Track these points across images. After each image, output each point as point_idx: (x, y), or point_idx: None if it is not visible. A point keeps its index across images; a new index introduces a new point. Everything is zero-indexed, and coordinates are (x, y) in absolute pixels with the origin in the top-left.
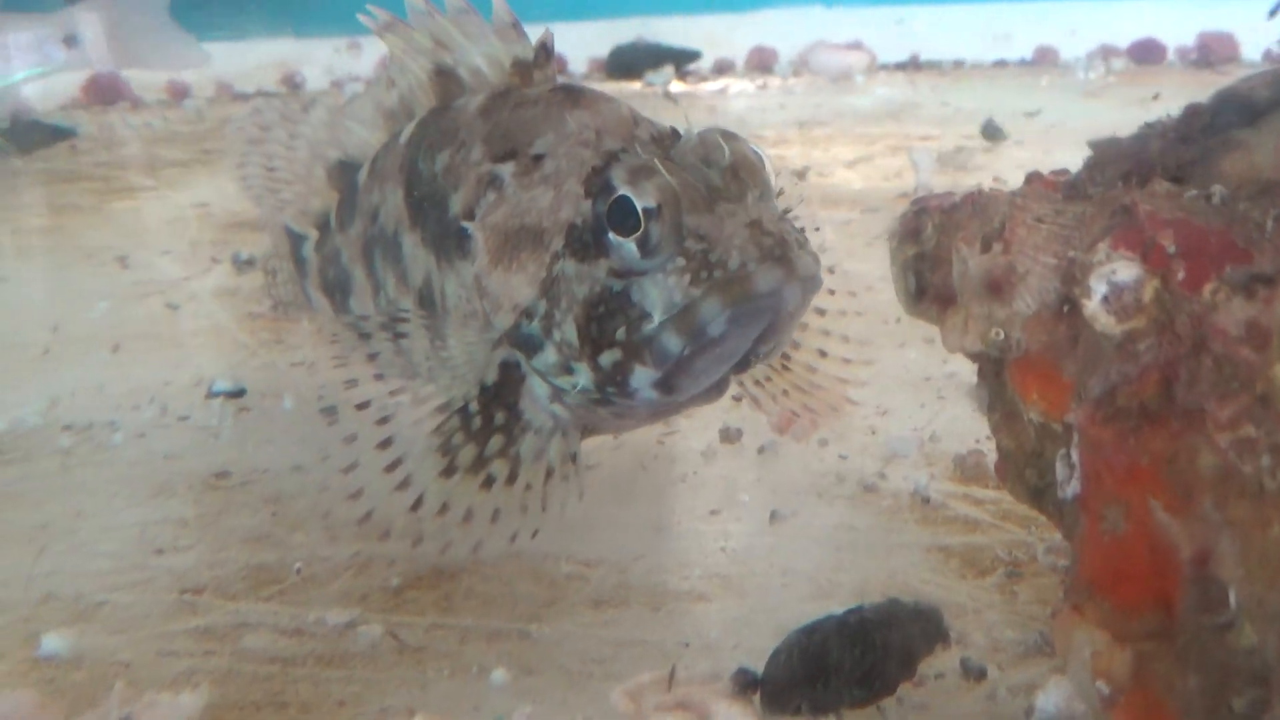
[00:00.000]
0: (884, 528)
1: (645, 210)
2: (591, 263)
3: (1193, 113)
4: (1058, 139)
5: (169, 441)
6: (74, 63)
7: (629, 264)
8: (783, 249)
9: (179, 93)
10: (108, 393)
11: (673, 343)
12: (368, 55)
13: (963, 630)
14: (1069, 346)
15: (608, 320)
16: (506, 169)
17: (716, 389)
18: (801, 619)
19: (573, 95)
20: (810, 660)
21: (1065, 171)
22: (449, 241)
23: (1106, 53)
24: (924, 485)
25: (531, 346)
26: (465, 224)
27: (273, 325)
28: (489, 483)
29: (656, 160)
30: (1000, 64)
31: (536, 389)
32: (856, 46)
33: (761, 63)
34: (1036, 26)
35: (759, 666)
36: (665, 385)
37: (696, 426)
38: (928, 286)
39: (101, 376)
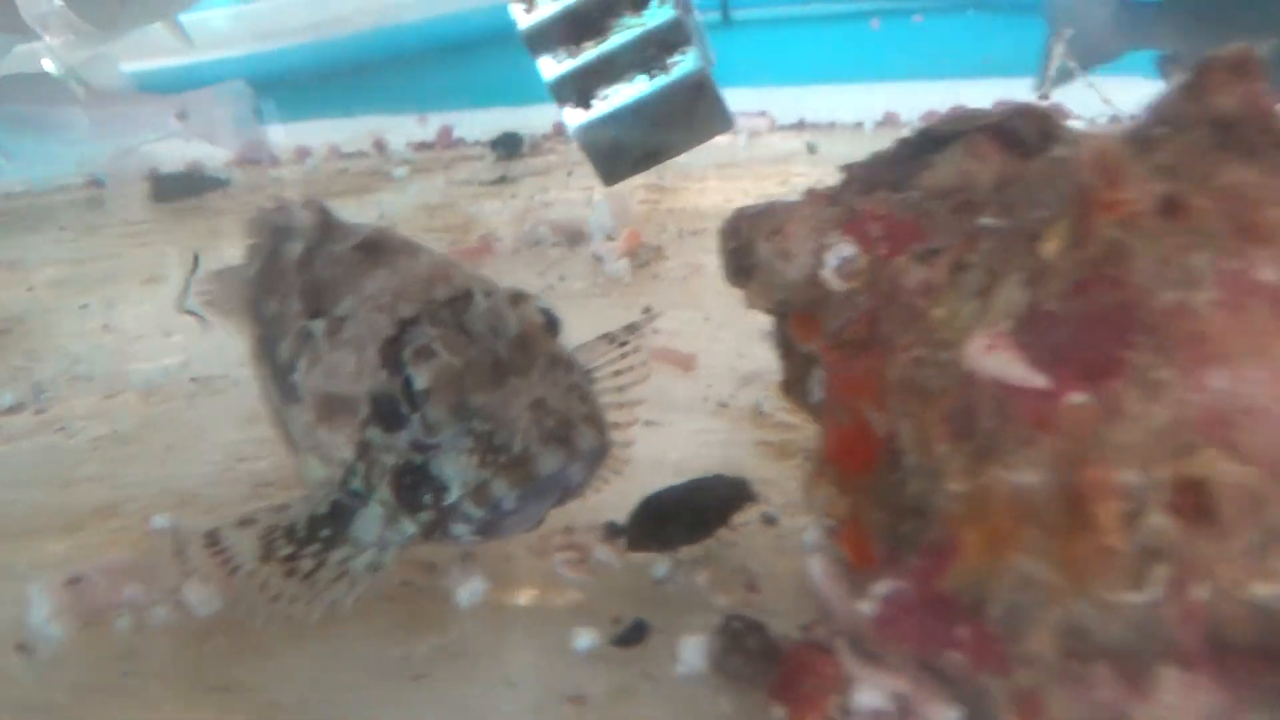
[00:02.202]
0: (729, 431)
1: (428, 391)
2: (393, 434)
3: (903, 143)
4: None
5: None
6: (180, 134)
7: (422, 439)
8: (564, 429)
9: (303, 154)
10: (223, 355)
11: (475, 512)
12: (432, 125)
13: (767, 494)
14: (821, 302)
15: (415, 489)
16: (318, 327)
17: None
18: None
19: (374, 254)
20: (655, 515)
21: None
22: (284, 384)
23: (930, 115)
24: (760, 402)
25: (358, 499)
26: (292, 377)
27: None
28: (291, 573)
29: (442, 338)
30: (858, 125)
31: (373, 516)
32: (763, 113)
33: None
34: (886, 99)
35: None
36: (484, 534)
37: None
38: (740, 266)
39: (220, 344)
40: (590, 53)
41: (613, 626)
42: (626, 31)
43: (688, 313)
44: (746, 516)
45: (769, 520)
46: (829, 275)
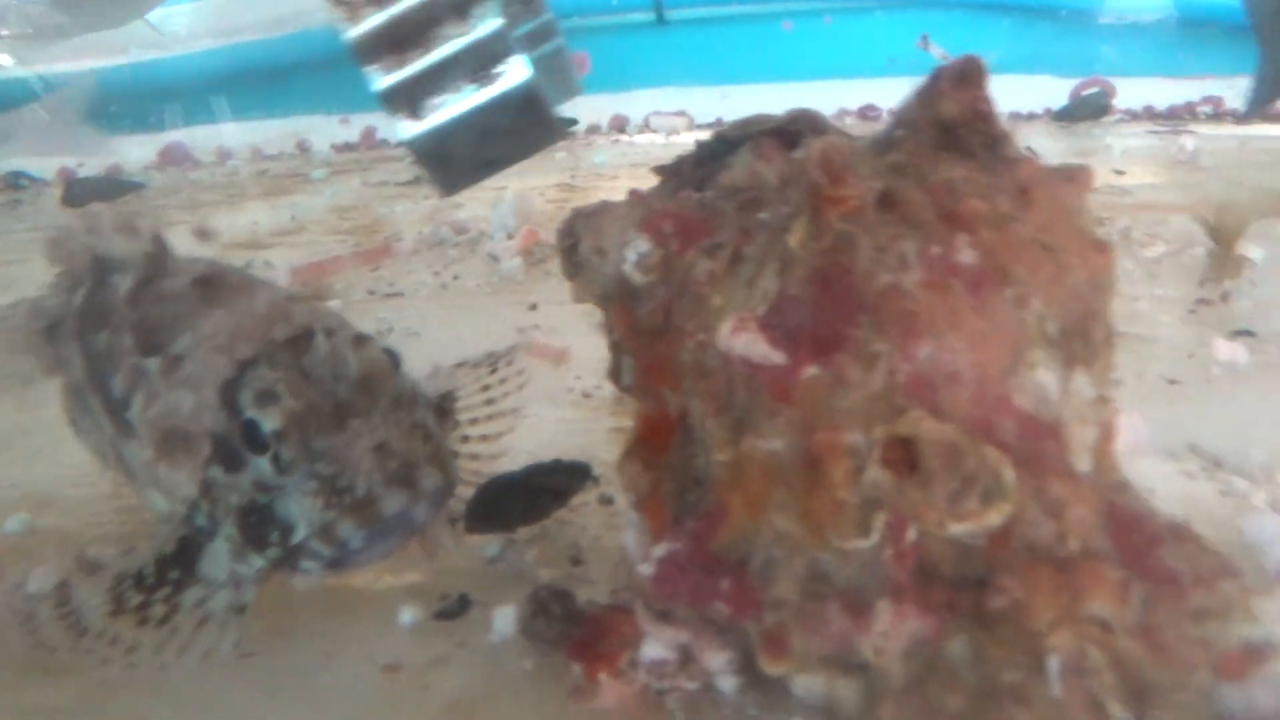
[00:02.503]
0: (589, 419)
1: (273, 433)
2: (237, 474)
3: (701, 146)
4: None
5: None
6: (9, 152)
7: (266, 480)
8: (407, 470)
9: (225, 155)
10: None
11: (322, 551)
12: (355, 126)
13: (608, 477)
14: (629, 294)
15: (262, 528)
16: (153, 364)
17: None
18: None
19: (211, 290)
20: (490, 499)
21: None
22: (119, 419)
23: (842, 113)
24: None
25: (205, 535)
26: (128, 414)
27: None
28: (145, 622)
29: (283, 381)
30: None
31: (220, 551)
32: (681, 113)
33: (618, 125)
34: (800, 98)
35: None
36: (333, 569)
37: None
38: (570, 263)
39: None
40: (418, 63)
41: (439, 603)
42: (452, 42)
43: (572, 308)
44: (586, 498)
45: (606, 501)
46: (629, 270)
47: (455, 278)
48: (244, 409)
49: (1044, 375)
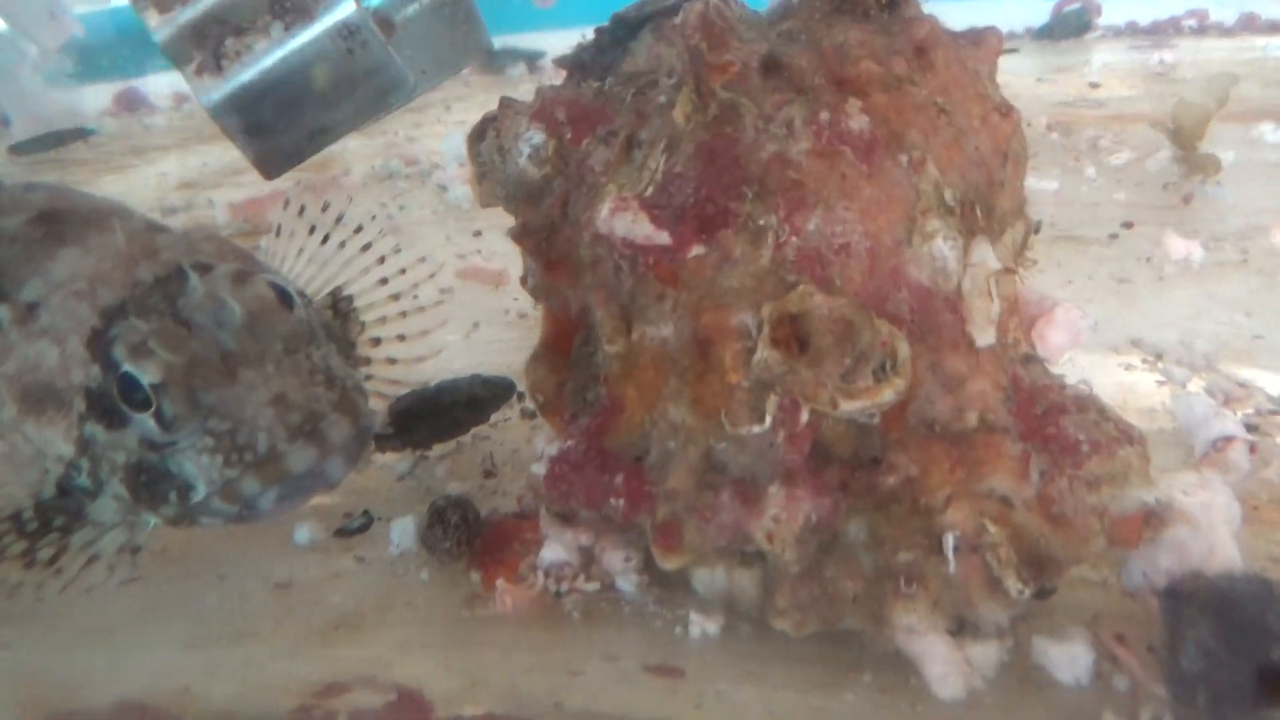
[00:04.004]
0: (522, 338)
1: (153, 387)
2: (119, 431)
3: (600, 31)
4: None
5: None
6: None
7: (153, 438)
8: (312, 423)
9: (181, 100)
10: None
11: (225, 508)
12: None
13: None
14: (531, 191)
15: (156, 485)
16: (3, 312)
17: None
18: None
19: (56, 229)
20: (404, 417)
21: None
22: None
23: None
24: None
25: (88, 494)
26: None
27: None
28: (31, 565)
29: (160, 333)
30: None
31: (106, 507)
32: None
33: None
34: None
35: None
36: (239, 522)
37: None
38: (478, 167)
39: None
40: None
41: (343, 520)
42: None
43: None
44: (509, 413)
45: (528, 414)
46: (524, 164)
47: (402, 208)
48: (120, 362)
49: (941, 245)
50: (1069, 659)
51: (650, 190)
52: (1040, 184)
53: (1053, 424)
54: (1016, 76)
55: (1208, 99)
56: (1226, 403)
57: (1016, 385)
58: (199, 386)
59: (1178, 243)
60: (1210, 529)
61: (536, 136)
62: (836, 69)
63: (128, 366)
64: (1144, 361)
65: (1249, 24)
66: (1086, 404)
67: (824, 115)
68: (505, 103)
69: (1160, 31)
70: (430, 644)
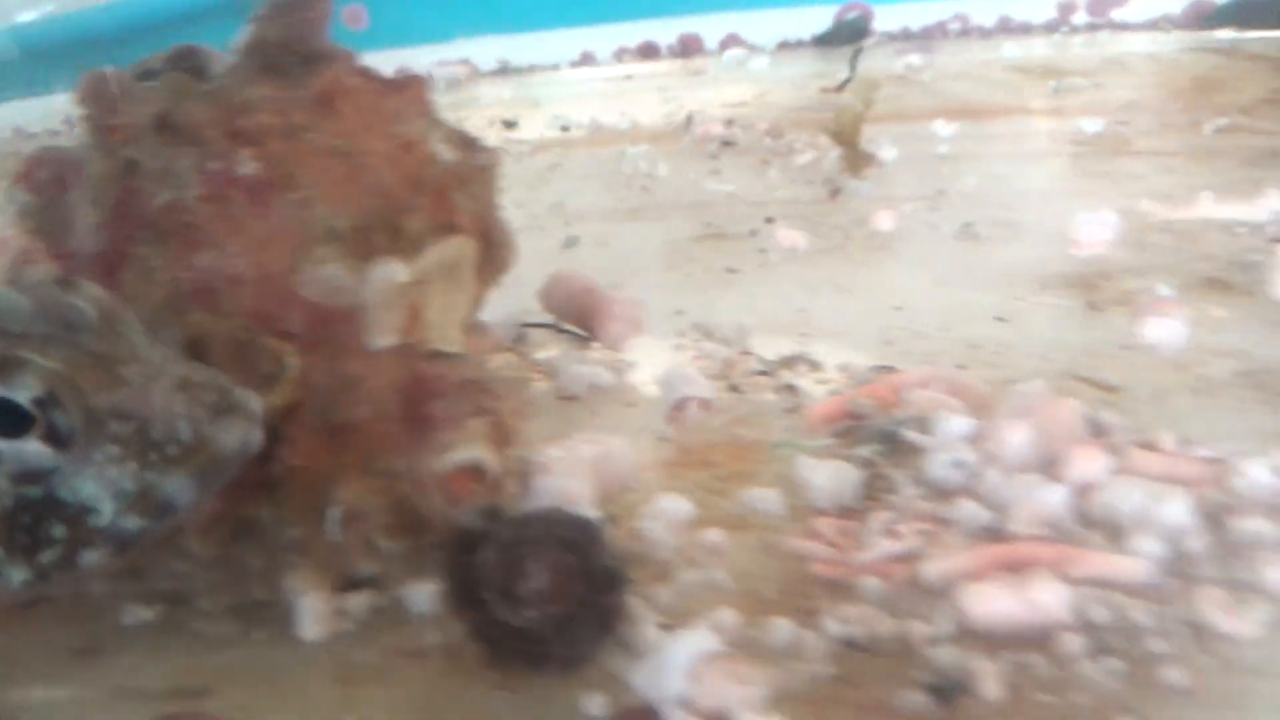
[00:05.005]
0: None
1: (36, 402)
2: None
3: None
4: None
5: None
6: None
7: (38, 465)
8: (228, 397)
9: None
10: None
11: (135, 524)
12: None
13: None
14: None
15: (38, 527)
16: None
17: None
18: None
19: None
20: None
21: None
22: None
23: (621, 52)
24: None
25: None
26: None
27: None
28: None
29: (29, 342)
30: (555, 66)
31: None
32: (465, 62)
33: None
34: (584, 42)
35: None
36: (143, 541)
37: None
38: None
39: None
40: None
41: None
42: None
43: None
44: None
45: None
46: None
47: None
48: None
49: (333, 269)
50: (425, 595)
51: (76, 243)
52: (720, 187)
53: (429, 407)
54: (776, 84)
55: (857, 102)
56: (727, 369)
57: (415, 378)
58: (90, 392)
59: (785, 233)
60: (569, 478)
61: (23, 197)
62: (232, 122)
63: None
64: (693, 342)
65: (1004, 26)
66: (470, 387)
67: (215, 164)
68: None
69: (929, 35)
70: None
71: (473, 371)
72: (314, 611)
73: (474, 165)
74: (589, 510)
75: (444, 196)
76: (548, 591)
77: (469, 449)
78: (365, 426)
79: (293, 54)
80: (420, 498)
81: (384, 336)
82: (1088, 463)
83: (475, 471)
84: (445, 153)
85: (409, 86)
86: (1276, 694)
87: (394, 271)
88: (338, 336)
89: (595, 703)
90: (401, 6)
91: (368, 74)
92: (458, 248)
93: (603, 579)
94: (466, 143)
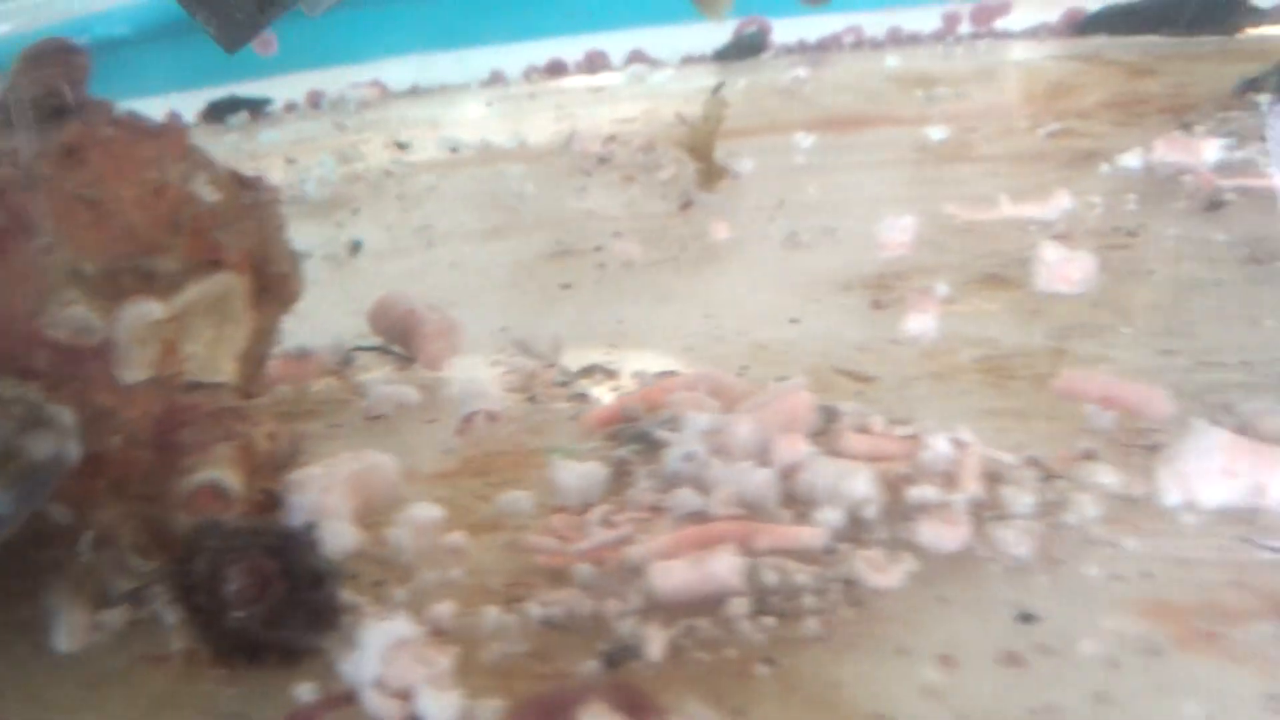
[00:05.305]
0: None
1: None
2: None
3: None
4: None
5: None
6: None
7: None
8: (37, 411)
9: None
10: None
11: None
12: None
13: None
14: None
15: None
16: None
17: None
18: None
19: None
20: None
21: None
22: None
23: (530, 70)
24: None
25: None
26: None
27: None
28: None
29: None
30: (465, 85)
31: None
32: (376, 83)
33: (313, 100)
34: (494, 61)
35: None
36: None
37: None
38: None
39: None
40: None
41: None
42: None
43: None
44: None
45: None
46: None
47: None
48: None
49: (80, 310)
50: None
51: None
52: (580, 204)
53: (177, 434)
54: (670, 99)
55: (707, 118)
56: (530, 381)
57: (170, 409)
58: None
59: (621, 247)
60: (325, 493)
61: None
62: None
63: None
64: (510, 358)
65: (893, 37)
66: (224, 414)
67: None
68: None
69: (825, 48)
70: None
71: (229, 399)
72: (69, 625)
73: (244, 204)
74: (341, 522)
75: (203, 236)
76: (248, 592)
77: (210, 471)
78: (117, 454)
79: (46, 106)
80: (167, 518)
81: (136, 371)
82: (789, 448)
83: (218, 491)
84: (208, 194)
85: (166, 133)
86: (897, 636)
87: (147, 310)
88: (87, 373)
89: (306, 690)
90: (312, 29)
91: (124, 123)
92: (222, 283)
93: (308, 579)
94: (238, 182)
